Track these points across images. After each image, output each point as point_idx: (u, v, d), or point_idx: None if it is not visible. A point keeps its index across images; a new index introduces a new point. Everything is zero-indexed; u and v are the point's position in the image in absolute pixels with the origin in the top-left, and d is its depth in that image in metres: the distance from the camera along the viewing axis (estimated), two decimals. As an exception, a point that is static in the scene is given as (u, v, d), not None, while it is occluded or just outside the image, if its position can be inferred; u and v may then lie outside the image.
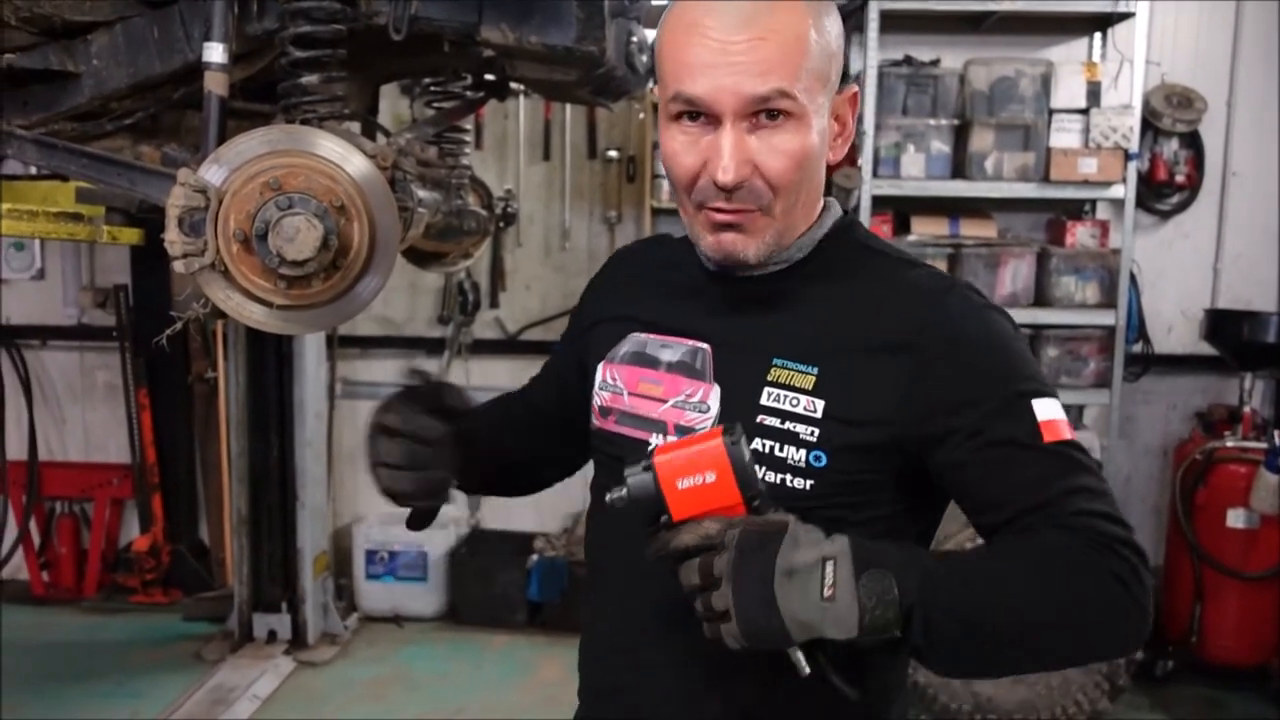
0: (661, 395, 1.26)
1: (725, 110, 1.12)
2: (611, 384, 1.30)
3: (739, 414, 1.17)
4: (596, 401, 1.32)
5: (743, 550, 1.02)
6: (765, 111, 1.12)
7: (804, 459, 1.15)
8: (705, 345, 1.25)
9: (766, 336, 1.21)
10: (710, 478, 1.06)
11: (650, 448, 1.20)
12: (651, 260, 1.40)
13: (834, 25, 1.17)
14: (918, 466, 1.16)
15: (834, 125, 1.21)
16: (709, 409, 1.22)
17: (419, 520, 1.36)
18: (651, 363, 1.28)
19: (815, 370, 1.17)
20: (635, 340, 1.31)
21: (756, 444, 1.16)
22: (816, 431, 1.15)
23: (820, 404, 1.16)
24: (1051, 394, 1.14)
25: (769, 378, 1.19)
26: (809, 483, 1.15)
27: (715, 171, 1.13)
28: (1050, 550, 1.05)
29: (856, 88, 1.25)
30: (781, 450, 1.16)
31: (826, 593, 1.01)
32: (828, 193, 1.31)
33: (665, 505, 1.07)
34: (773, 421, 1.17)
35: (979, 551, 1.10)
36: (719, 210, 1.16)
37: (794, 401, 1.17)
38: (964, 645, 1.04)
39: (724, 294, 1.26)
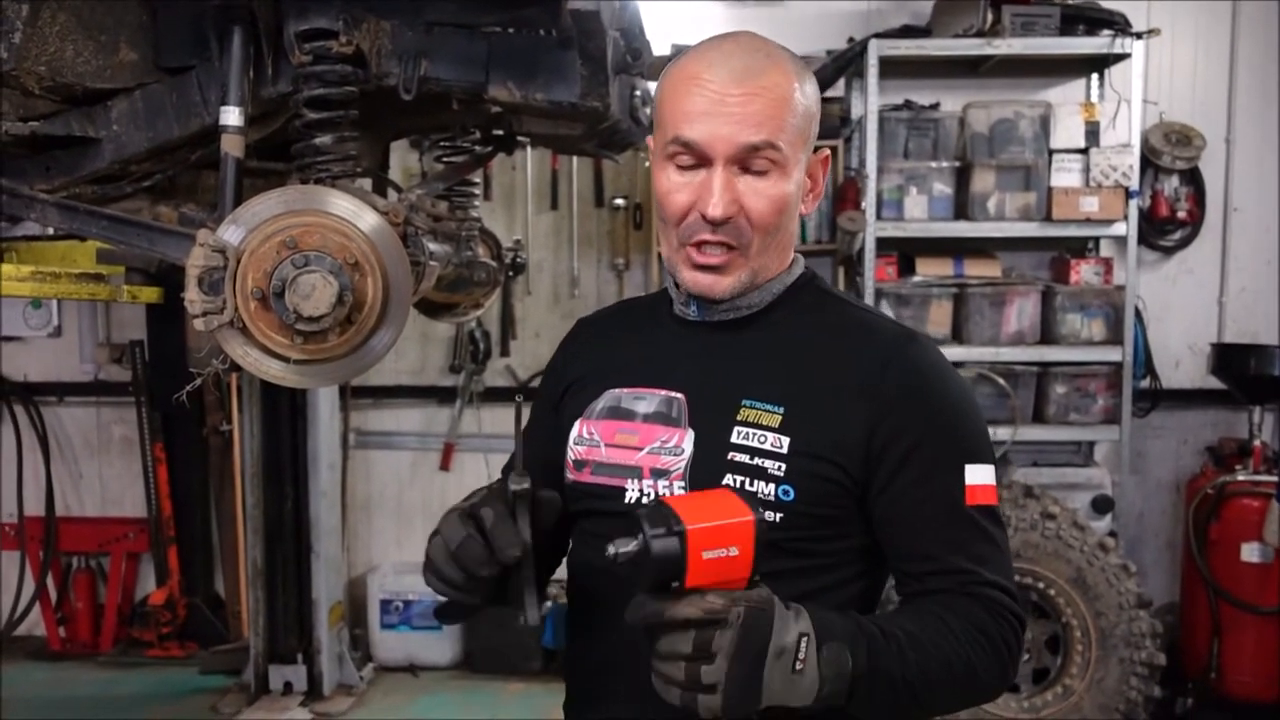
0: (638, 444, 1.30)
1: (718, 154, 1.22)
2: (588, 438, 1.34)
3: (711, 453, 1.25)
4: (571, 456, 1.35)
5: (745, 630, 1.04)
6: (752, 159, 1.23)
7: (773, 493, 1.22)
8: (679, 394, 1.30)
9: (736, 380, 1.28)
10: (733, 552, 1.05)
11: (638, 499, 1.26)
12: (620, 322, 1.48)
13: (814, 90, 1.29)
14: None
15: (807, 181, 1.31)
16: (683, 451, 1.27)
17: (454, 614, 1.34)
18: (628, 415, 1.33)
19: (782, 409, 1.24)
20: (611, 396, 1.35)
21: (729, 480, 1.23)
22: (784, 466, 1.22)
23: (786, 440, 1.23)
24: (988, 460, 1.26)
25: (739, 417, 1.25)
26: (779, 516, 1.21)
27: (706, 206, 1.23)
28: (962, 623, 1.18)
29: (829, 151, 1.36)
30: (752, 485, 1.23)
31: (797, 666, 1.06)
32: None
33: (684, 572, 1.04)
34: (743, 458, 1.23)
35: (907, 618, 1.19)
36: (702, 247, 1.26)
37: (761, 438, 1.23)
38: (893, 707, 1.14)
39: (696, 342, 1.33)
